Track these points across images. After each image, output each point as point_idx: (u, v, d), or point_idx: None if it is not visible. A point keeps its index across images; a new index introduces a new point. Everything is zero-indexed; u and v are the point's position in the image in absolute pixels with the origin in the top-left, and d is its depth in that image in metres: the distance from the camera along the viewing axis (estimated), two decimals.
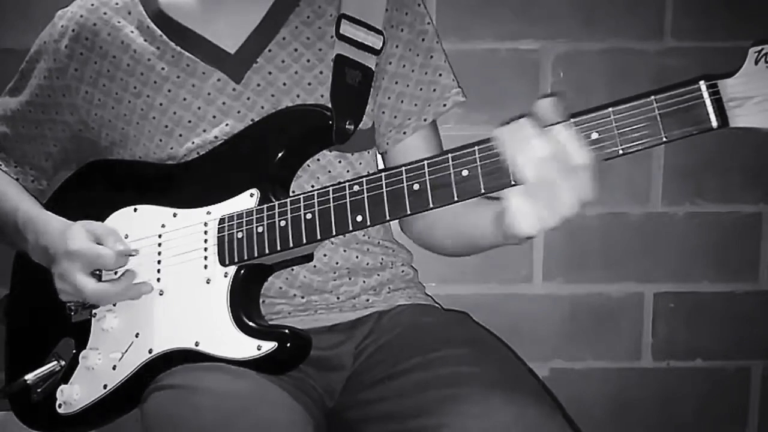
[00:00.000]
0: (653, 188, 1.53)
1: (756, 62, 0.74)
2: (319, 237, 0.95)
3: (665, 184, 1.52)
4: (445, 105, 1.18)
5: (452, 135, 1.29)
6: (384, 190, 0.91)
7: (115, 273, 1.05)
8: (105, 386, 1.03)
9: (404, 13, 1.16)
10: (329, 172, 1.11)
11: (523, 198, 0.81)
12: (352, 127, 1.07)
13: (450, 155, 0.87)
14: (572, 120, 0.80)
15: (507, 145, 0.81)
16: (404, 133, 1.17)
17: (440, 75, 1.18)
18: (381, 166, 1.25)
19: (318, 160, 1.10)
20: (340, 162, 1.13)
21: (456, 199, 0.87)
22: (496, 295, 1.54)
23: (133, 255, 1.05)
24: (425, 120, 1.17)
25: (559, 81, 1.50)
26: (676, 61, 1.49)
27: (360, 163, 1.15)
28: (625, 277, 1.55)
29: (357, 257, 1.13)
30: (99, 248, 1.02)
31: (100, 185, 1.16)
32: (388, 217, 0.91)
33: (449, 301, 1.39)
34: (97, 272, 1.05)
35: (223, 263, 1.01)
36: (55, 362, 1.08)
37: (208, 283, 1.01)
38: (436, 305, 1.21)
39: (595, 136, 0.80)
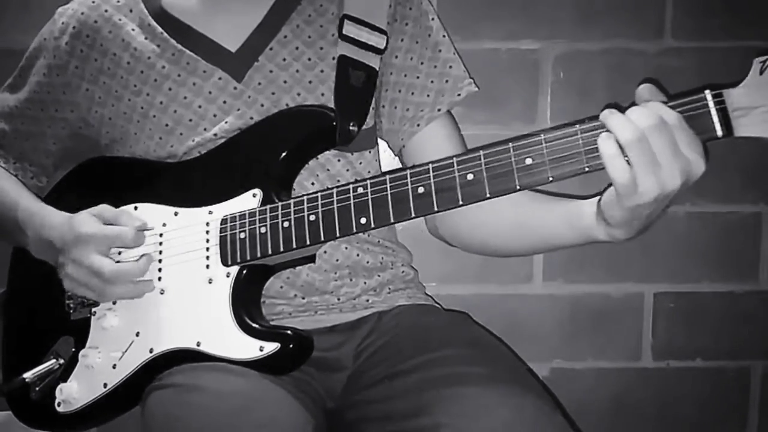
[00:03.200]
0: None
1: (761, 72, 0.74)
2: (322, 238, 0.95)
3: None
4: (459, 95, 1.16)
5: None
6: (388, 192, 0.91)
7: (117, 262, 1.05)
8: (105, 385, 1.03)
9: (408, 8, 1.16)
10: (328, 170, 1.11)
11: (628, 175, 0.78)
12: (356, 128, 1.07)
13: (455, 159, 0.87)
14: (577, 127, 0.80)
15: (614, 122, 0.78)
16: (418, 125, 1.16)
17: (450, 67, 1.17)
18: (383, 166, 1.24)
19: (317, 158, 1.10)
20: (339, 161, 1.12)
21: (461, 202, 0.87)
22: (496, 295, 1.54)
23: (149, 229, 1.05)
24: (439, 110, 1.16)
25: (559, 81, 1.50)
26: (676, 61, 1.49)
27: (360, 163, 1.15)
28: (625, 277, 1.55)
29: (357, 255, 1.13)
30: (116, 228, 1.02)
31: (100, 182, 1.16)
32: (392, 220, 0.91)
33: (449, 301, 1.39)
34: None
35: (225, 263, 1.01)
36: (54, 360, 1.07)
37: (210, 283, 1.01)
38: (436, 305, 1.21)
39: None
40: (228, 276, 1.00)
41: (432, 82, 1.16)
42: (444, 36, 1.19)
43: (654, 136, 0.76)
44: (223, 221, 1.02)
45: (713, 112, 0.76)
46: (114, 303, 1.05)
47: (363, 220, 0.92)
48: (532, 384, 0.97)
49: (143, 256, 1.04)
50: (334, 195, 0.94)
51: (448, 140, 1.16)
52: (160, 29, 1.13)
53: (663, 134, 0.76)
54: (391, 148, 1.22)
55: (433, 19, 1.19)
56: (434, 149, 1.12)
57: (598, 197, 0.89)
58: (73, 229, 1.02)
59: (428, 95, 1.15)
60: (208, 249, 1.02)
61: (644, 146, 0.76)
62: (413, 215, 0.89)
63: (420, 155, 1.14)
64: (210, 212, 1.03)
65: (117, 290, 1.02)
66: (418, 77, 1.15)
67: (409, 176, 0.89)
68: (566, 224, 0.97)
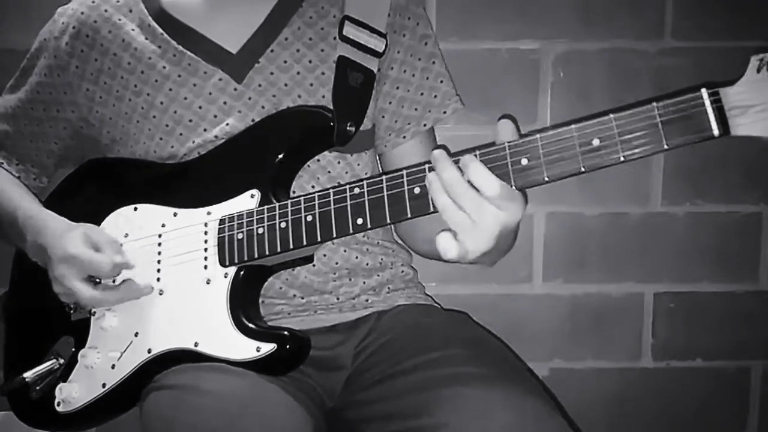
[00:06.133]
0: (653, 188, 1.53)
1: (758, 70, 0.74)
2: (319, 239, 0.95)
3: (665, 184, 1.52)
4: (445, 112, 1.18)
5: (452, 135, 1.29)
6: (385, 193, 0.91)
7: (113, 281, 1.05)
8: (104, 385, 1.03)
9: (406, 18, 1.16)
10: (329, 172, 1.11)
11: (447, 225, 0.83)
12: (353, 128, 1.07)
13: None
14: (573, 126, 0.80)
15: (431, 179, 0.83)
16: (404, 137, 1.17)
17: (441, 82, 1.18)
18: (379, 166, 1.24)
19: (318, 160, 1.10)
20: (339, 163, 1.12)
21: None
22: (496, 295, 1.54)
23: (129, 269, 1.05)
24: (425, 126, 1.18)
25: (559, 81, 1.50)
26: (676, 61, 1.49)
27: (358, 164, 1.15)
28: (625, 277, 1.55)
29: (356, 258, 1.13)
30: (96, 255, 1.02)
31: (101, 183, 1.16)
32: (388, 220, 0.90)
33: (449, 301, 1.39)
34: (96, 279, 1.04)
35: (223, 264, 1.01)
36: (54, 360, 1.08)
37: (208, 283, 1.01)
38: (436, 305, 1.21)
39: (596, 142, 0.80)
40: (226, 276, 1.00)
41: (422, 94, 1.17)
42: (438, 48, 1.19)
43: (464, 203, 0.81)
44: (221, 222, 1.02)
45: (709, 111, 0.75)
46: None
47: (359, 221, 0.92)
48: (532, 384, 0.97)
49: (125, 282, 1.04)
50: (331, 195, 0.94)
51: (427, 153, 1.17)
52: (160, 30, 1.13)
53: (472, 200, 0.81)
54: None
55: (431, 28, 1.19)
56: (413, 160, 1.13)
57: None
58: (62, 245, 1.02)
59: (416, 109, 1.17)
60: (206, 250, 1.02)
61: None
62: (409, 216, 0.89)
63: (398, 164, 1.16)
64: (208, 213, 1.04)
65: (104, 306, 1.03)
66: (409, 90, 1.16)
67: (405, 177, 0.89)
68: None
